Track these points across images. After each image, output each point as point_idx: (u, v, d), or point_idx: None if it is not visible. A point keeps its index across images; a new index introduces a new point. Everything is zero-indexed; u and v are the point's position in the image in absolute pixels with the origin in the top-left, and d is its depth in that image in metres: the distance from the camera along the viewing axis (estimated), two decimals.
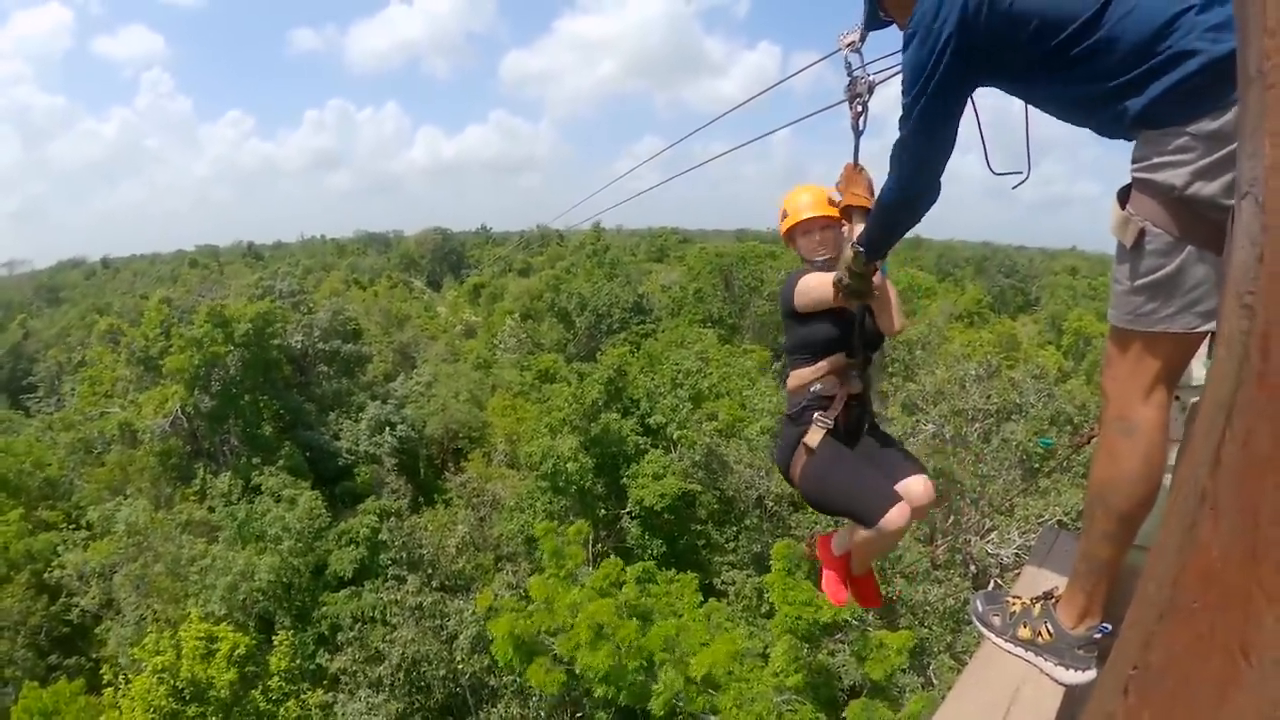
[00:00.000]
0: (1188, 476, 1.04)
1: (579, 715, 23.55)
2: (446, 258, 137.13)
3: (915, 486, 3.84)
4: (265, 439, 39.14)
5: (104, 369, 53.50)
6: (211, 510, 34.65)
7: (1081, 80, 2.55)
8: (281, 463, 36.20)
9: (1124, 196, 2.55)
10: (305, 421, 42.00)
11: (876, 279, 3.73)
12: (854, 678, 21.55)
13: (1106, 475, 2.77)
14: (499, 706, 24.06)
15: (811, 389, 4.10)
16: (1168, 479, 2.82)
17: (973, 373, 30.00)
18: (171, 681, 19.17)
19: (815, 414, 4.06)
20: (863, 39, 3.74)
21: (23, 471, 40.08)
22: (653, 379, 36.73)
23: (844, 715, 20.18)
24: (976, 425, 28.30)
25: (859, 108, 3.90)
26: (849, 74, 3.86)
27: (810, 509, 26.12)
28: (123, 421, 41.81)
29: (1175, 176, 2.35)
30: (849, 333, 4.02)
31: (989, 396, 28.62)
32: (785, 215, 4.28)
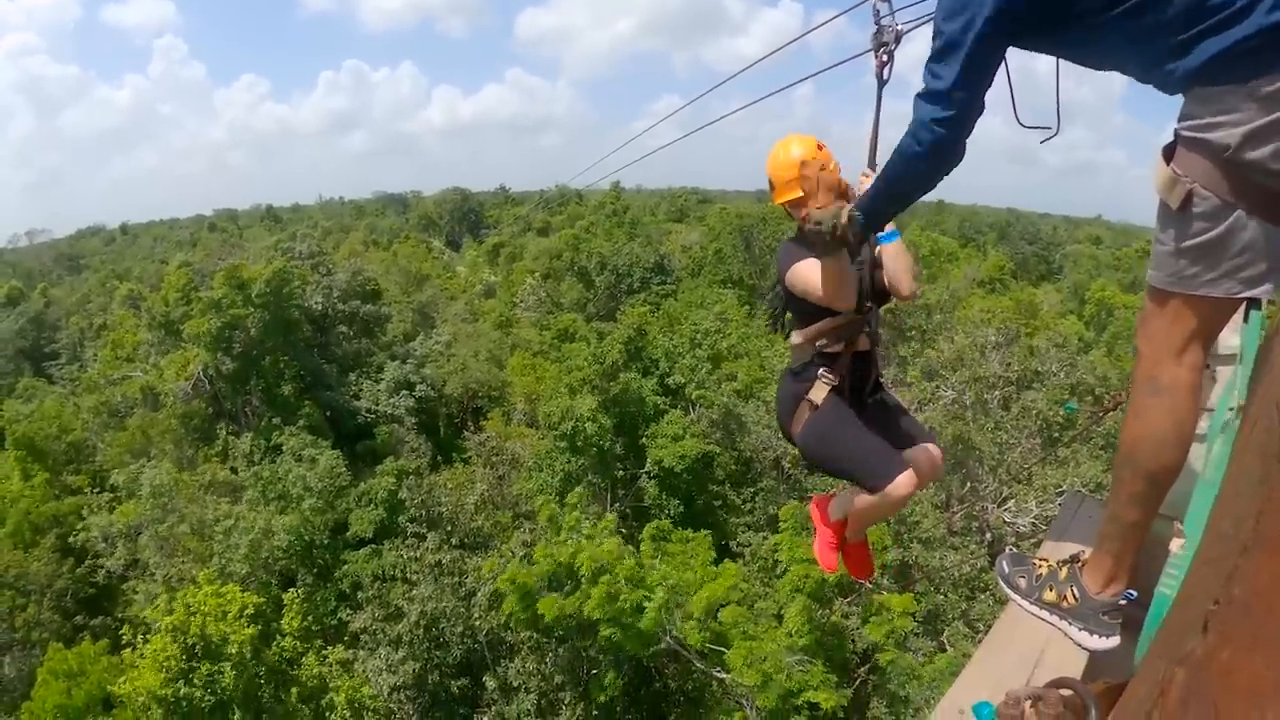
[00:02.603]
0: (1266, 409, 0.99)
1: (594, 671, 23.72)
2: (465, 218, 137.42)
3: (923, 456, 3.84)
4: (286, 399, 39.46)
5: (125, 334, 54.20)
6: (234, 471, 35.03)
7: (1133, 37, 2.43)
8: (302, 423, 36.50)
9: (1169, 154, 2.45)
10: (325, 382, 42.23)
11: (891, 246, 3.88)
12: (867, 640, 21.58)
13: (1136, 435, 2.71)
14: (515, 662, 24.29)
15: (816, 345, 4.02)
16: (1200, 449, 2.81)
17: (992, 339, 29.76)
18: (184, 639, 19.37)
19: (820, 370, 3.99)
20: None
21: (48, 436, 40.56)
22: (672, 339, 36.69)
23: (873, 663, 20.28)
24: (996, 392, 28.09)
25: (884, 57, 3.83)
26: (876, 21, 3.81)
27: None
28: (145, 385, 42.34)
29: (1228, 137, 2.26)
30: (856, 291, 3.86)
31: (1009, 364, 28.38)
32: (772, 186, 4.12)
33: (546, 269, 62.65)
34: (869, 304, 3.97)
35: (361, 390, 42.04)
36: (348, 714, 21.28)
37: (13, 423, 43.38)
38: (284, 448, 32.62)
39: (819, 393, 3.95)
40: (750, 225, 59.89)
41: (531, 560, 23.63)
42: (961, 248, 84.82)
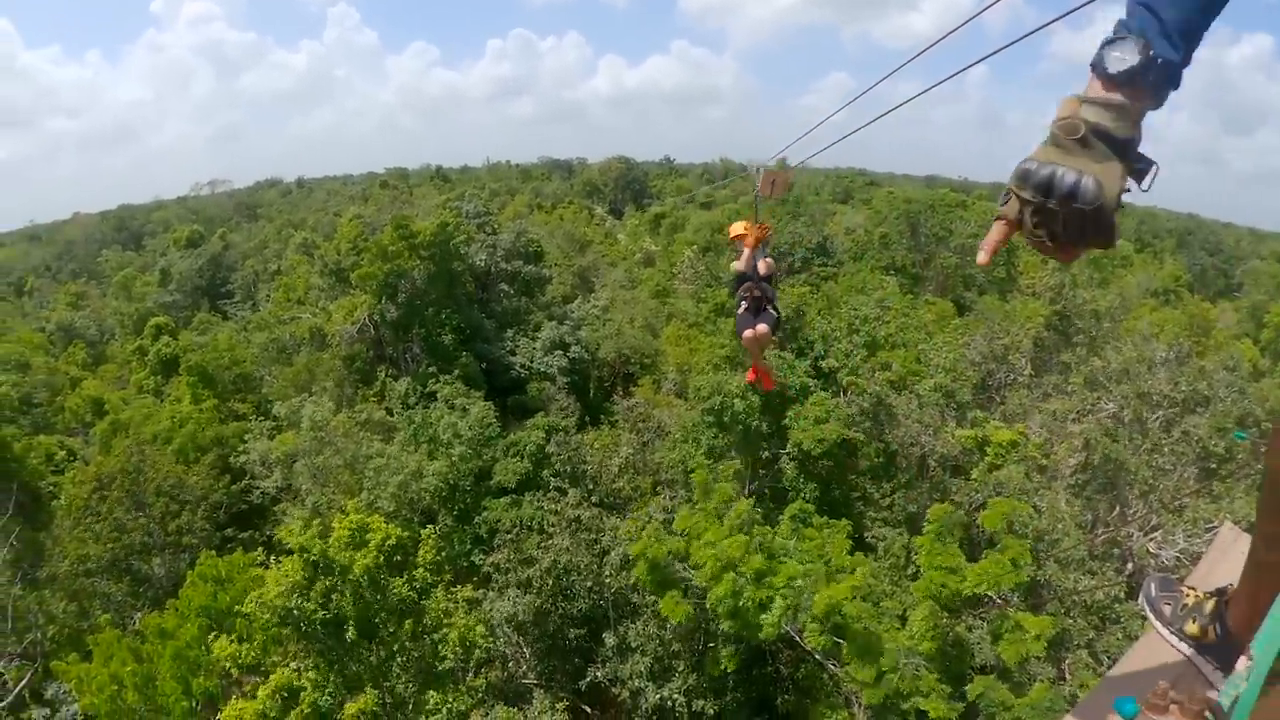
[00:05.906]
0: None
1: (710, 645, 23.81)
2: (629, 186, 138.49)
3: (760, 325, 9.34)
4: (445, 349, 40.83)
5: (298, 278, 57.06)
6: (390, 412, 36.36)
7: None
8: (458, 372, 37.70)
9: None
10: (484, 336, 43.46)
11: (764, 263, 10.38)
12: (987, 657, 20.86)
13: None
14: (637, 624, 24.53)
15: (739, 294, 9.90)
16: None
17: (1161, 355, 28.31)
18: (308, 557, 20.33)
19: (741, 300, 9.78)
20: None
21: (219, 366, 42.89)
22: (830, 322, 36.03)
23: (965, 689, 19.66)
24: (1160, 412, 26.58)
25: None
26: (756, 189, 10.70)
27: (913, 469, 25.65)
28: (313, 326, 44.37)
29: None
30: (751, 274, 10.07)
31: (1177, 383, 26.81)
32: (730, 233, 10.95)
33: (707, 242, 62.47)
34: (751, 275, 10.04)
35: (518, 346, 43.17)
36: (459, 650, 21.96)
37: (188, 351, 46.26)
38: (439, 395, 33.64)
39: (740, 308, 9.76)
40: (918, 212, 58.33)
41: (672, 528, 23.85)
42: (1137, 252, 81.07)
